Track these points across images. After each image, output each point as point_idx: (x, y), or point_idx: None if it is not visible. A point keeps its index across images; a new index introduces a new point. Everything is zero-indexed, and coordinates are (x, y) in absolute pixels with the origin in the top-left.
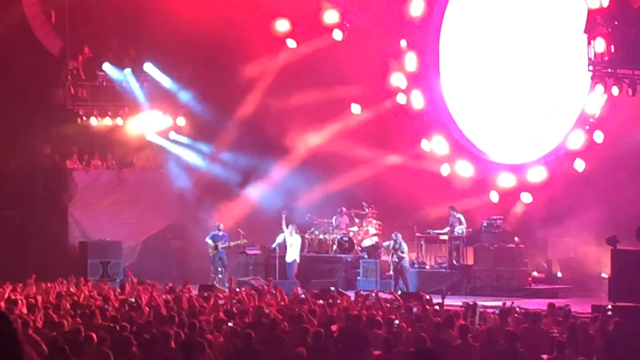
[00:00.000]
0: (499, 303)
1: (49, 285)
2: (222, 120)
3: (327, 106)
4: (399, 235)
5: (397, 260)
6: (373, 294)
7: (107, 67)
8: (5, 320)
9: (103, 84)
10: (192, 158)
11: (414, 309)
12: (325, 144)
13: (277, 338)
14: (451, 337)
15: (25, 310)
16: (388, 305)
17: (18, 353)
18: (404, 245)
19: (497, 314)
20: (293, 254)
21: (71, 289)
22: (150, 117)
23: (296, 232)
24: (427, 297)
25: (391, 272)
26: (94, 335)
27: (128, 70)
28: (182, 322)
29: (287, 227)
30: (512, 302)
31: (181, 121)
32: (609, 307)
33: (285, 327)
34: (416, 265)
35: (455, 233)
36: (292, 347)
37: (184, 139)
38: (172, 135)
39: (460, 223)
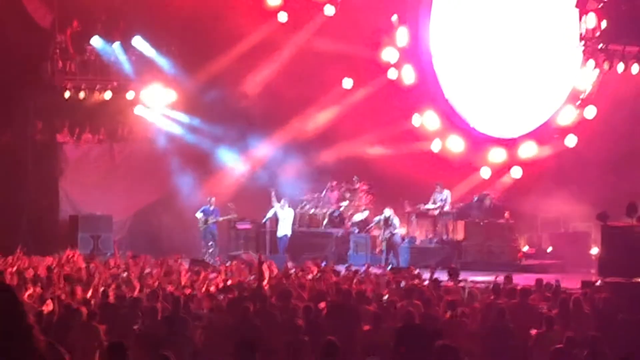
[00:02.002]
0: (489, 278)
1: (39, 258)
2: (211, 94)
3: (318, 81)
4: (391, 210)
5: (388, 235)
6: (362, 269)
7: (95, 40)
8: (8, 292)
9: (91, 57)
10: (181, 131)
11: (402, 284)
12: (316, 118)
13: (267, 313)
14: (439, 312)
15: (14, 284)
16: (377, 280)
17: (23, 323)
18: (396, 220)
19: (490, 290)
20: (285, 228)
21: (62, 264)
22: (140, 91)
23: (288, 207)
24: (417, 272)
25: (383, 247)
26: (84, 309)
27: (117, 44)
28: (171, 296)
29: (279, 202)
30: (497, 277)
31: (170, 95)
32: (598, 282)
33: (275, 301)
34: (406, 241)
35: (446, 209)
36: (283, 322)
37: (173, 113)
38: (161, 109)
39: (444, 201)
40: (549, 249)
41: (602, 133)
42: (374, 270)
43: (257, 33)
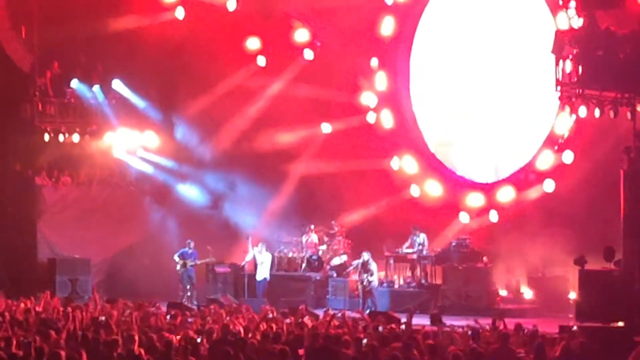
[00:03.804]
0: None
1: (16, 302)
2: (191, 138)
3: (298, 124)
4: (369, 254)
5: (367, 279)
6: (339, 314)
7: (75, 83)
8: None
9: (71, 100)
10: (160, 175)
11: (380, 328)
12: (294, 160)
13: (248, 357)
14: (417, 357)
15: None
16: (355, 324)
17: None
18: (373, 265)
19: (469, 335)
20: (263, 272)
21: (39, 308)
22: (119, 134)
23: (266, 250)
24: (396, 316)
25: (359, 292)
26: (62, 354)
27: (96, 87)
28: (150, 340)
29: (256, 247)
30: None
31: (149, 138)
32: (575, 327)
33: (255, 344)
34: (385, 284)
35: (424, 253)
36: None
37: (152, 156)
38: (140, 152)
39: (422, 245)
40: (528, 293)
41: (579, 177)
42: (352, 314)
43: (235, 76)
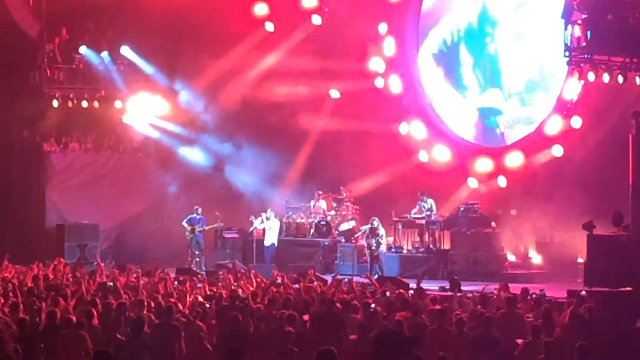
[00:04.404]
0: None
1: (25, 268)
2: (199, 103)
3: (305, 89)
4: (378, 220)
5: (375, 245)
6: (347, 279)
7: (83, 49)
8: None
9: (80, 66)
10: (169, 141)
11: (388, 293)
12: (302, 126)
13: (257, 321)
14: (426, 321)
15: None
16: (363, 289)
17: None
18: (382, 230)
19: (476, 300)
20: (271, 238)
21: (48, 273)
22: (128, 100)
23: (275, 217)
24: (405, 281)
25: (367, 257)
26: (72, 318)
27: (105, 53)
28: (159, 305)
29: (264, 213)
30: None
31: (158, 103)
32: (583, 292)
33: (262, 309)
34: (393, 250)
35: (433, 218)
36: (272, 330)
37: (162, 122)
38: (149, 118)
39: (430, 210)
40: (536, 259)
41: (588, 142)
42: (360, 279)
43: (244, 42)
